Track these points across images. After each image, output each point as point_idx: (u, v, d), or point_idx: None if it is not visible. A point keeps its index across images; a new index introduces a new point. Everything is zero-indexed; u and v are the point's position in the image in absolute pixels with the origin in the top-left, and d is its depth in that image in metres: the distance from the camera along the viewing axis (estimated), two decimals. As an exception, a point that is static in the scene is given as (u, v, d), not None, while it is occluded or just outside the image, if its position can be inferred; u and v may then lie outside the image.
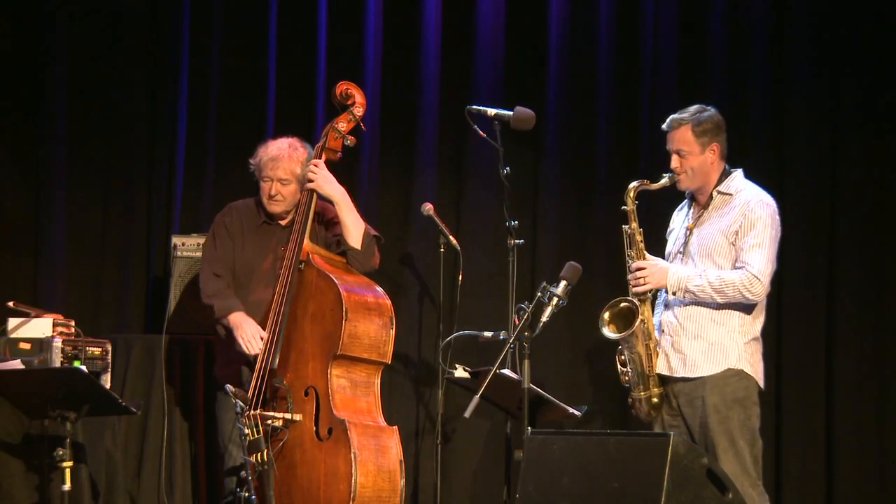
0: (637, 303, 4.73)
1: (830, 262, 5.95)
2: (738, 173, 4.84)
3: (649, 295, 4.76)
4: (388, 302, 5.01)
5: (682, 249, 4.83)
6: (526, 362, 4.34)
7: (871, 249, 5.97)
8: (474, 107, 5.15)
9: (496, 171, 5.13)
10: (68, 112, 6.20)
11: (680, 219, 4.94)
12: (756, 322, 4.78)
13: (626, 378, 4.83)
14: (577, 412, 5.00)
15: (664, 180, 4.79)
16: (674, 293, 4.72)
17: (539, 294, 4.38)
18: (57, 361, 5.06)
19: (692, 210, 4.88)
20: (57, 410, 4.75)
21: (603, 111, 6.21)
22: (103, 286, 6.21)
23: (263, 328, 4.99)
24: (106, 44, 6.25)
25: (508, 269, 5.23)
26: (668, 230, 5.00)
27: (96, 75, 6.25)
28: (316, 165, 5.03)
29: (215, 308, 5.03)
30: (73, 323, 5.26)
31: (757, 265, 4.65)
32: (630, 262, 4.78)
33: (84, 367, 4.91)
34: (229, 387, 4.74)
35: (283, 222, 5.19)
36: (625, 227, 4.79)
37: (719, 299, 4.67)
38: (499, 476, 5.89)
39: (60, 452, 4.77)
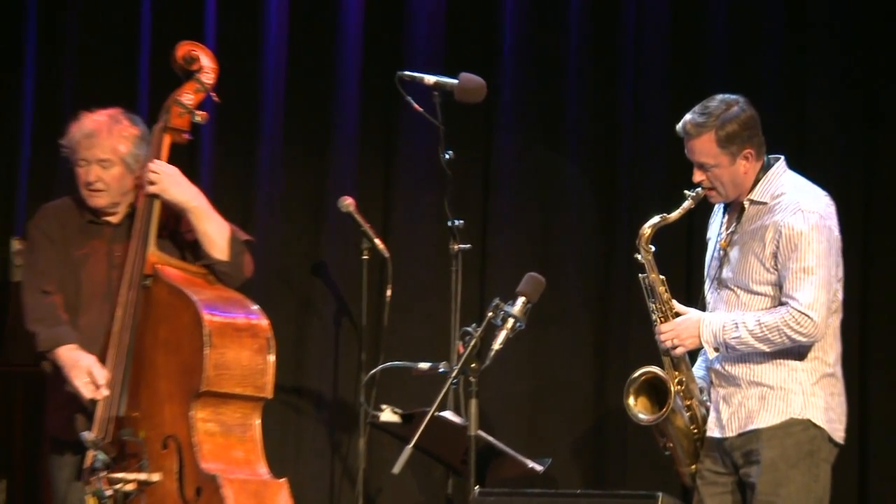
0: (660, 372, 4.78)
1: (864, 264, 5.96)
2: (776, 169, 4.79)
3: (686, 355, 4.83)
4: (264, 321, 4.97)
5: (716, 275, 4.85)
6: (473, 402, 4.29)
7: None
8: (407, 73, 5.12)
9: (436, 156, 5.10)
10: None
11: (715, 227, 4.95)
12: (827, 352, 4.74)
13: (667, 451, 4.88)
14: (537, 466, 4.97)
15: (687, 202, 4.77)
16: (715, 349, 4.75)
17: (490, 314, 4.35)
18: None
19: (725, 219, 4.90)
20: None
21: (573, 81, 6.20)
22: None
23: (102, 362, 4.89)
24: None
25: (451, 281, 5.23)
26: (707, 237, 5.01)
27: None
28: (156, 163, 4.97)
29: (38, 338, 4.93)
30: None
31: (804, 297, 4.60)
32: (653, 316, 4.83)
33: None
34: (87, 434, 4.68)
35: (112, 219, 5.09)
36: (641, 277, 4.81)
37: (766, 349, 4.67)
38: (438, 548, 5.91)
39: None
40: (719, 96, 4.74)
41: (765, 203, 4.73)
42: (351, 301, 6.01)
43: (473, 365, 4.28)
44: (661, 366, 4.78)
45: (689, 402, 4.78)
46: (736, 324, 4.67)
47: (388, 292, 5.77)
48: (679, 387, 4.76)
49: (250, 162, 6.15)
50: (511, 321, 4.31)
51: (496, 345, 4.29)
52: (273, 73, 6.15)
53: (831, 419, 4.69)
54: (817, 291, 4.59)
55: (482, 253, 6.08)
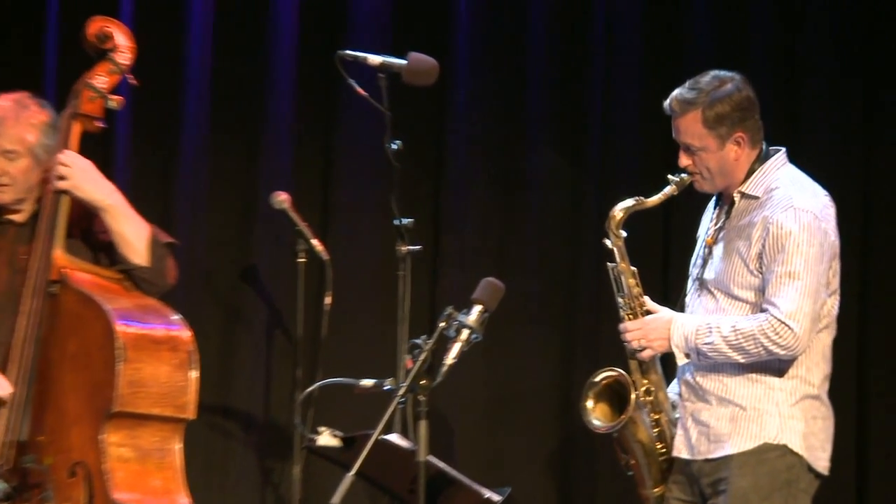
0: (621, 374, 4.75)
1: (863, 263, 6.04)
2: (774, 161, 4.74)
3: (656, 359, 4.76)
4: (186, 333, 4.85)
5: (699, 276, 4.80)
6: (422, 423, 4.17)
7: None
8: (349, 52, 5.01)
9: (381, 147, 4.98)
10: None
11: (705, 224, 4.92)
12: (811, 370, 4.65)
13: (630, 471, 4.80)
14: (495, 497, 4.80)
15: (669, 188, 4.73)
16: (686, 356, 4.69)
17: (442, 324, 4.24)
18: None
19: (715, 213, 4.86)
20: None
21: (536, 62, 6.25)
22: None
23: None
24: None
25: (398, 287, 5.16)
26: (697, 234, 4.96)
27: None
28: (67, 154, 4.89)
29: None
30: None
31: (786, 305, 4.53)
32: (621, 312, 4.79)
33: None
34: (-16, 461, 4.65)
35: (16, 217, 4.98)
36: (610, 266, 4.78)
37: (741, 359, 4.61)
38: (382, 587, 5.84)
39: None
40: (713, 72, 4.70)
41: (757, 197, 4.67)
42: (285, 309, 6.02)
43: (423, 382, 4.16)
44: (629, 371, 4.79)
45: (657, 417, 4.72)
46: (710, 328, 4.63)
47: (328, 300, 5.77)
48: (647, 397, 4.70)
49: (172, 153, 6.11)
50: (466, 332, 4.20)
51: (449, 359, 4.17)
52: (198, 52, 6.13)
53: (812, 446, 4.62)
54: (802, 299, 4.53)
55: (434, 255, 6.12)
